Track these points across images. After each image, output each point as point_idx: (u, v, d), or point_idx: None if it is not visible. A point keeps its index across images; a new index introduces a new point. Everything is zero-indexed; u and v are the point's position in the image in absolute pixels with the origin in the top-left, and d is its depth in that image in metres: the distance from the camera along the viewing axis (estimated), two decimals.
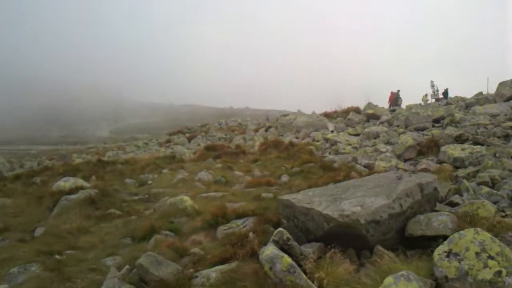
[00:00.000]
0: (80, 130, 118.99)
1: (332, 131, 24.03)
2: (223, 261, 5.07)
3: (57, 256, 6.43)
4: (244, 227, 6.47)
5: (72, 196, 10.03)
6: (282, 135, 26.25)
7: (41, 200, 10.84)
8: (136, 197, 10.97)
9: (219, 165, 15.90)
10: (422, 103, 32.67)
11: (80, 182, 11.71)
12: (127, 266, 5.54)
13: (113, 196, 10.55)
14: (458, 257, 4.03)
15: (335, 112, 30.21)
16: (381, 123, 22.82)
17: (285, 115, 33.07)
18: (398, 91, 34.62)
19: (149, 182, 13.40)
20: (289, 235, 4.83)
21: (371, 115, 25.31)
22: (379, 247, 5.04)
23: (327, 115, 29.70)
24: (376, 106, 27.81)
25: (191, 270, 4.98)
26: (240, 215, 7.10)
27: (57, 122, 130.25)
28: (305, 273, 4.40)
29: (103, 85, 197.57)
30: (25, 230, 8.53)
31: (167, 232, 7.14)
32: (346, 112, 28.68)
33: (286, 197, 6.39)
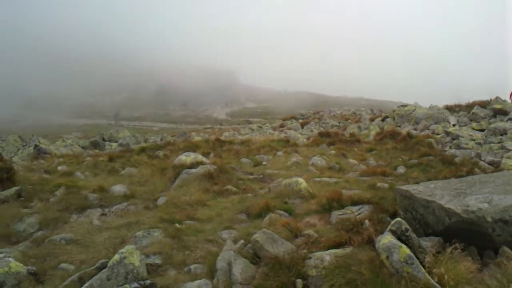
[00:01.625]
0: (198, 111, 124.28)
1: (454, 125, 22.76)
2: (337, 246, 5.03)
3: (177, 225, 6.83)
4: (359, 214, 6.38)
5: (192, 170, 10.58)
6: (399, 126, 25.36)
7: (164, 172, 11.55)
8: (251, 176, 11.29)
9: (333, 151, 15.79)
10: None
11: (200, 158, 12.25)
12: (242, 241, 5.73)
13: (230, 173, 10.94)
14: None
15: (457, 105, 28.42)
16: (510, 119, 21.14)
17: (403, 106, 31.82)
18: None
19: (264, 163, 13.71)
20: (407, 226, 4.67)
21: (498, 111, 23.45)
22: (506, 249, 4.71)
23: (448, 108, 28.06)
24: (504, 101, 25.76)
25: (305, 251, 5.01)
26: (355, 202, 7.00)
27: (178, 102, 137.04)
28: (423, 266, 4.24)
29: (221, 70, 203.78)
30: (149, 199, 9.16)
31: (281, 212, 7.26)
32: (470, 106, 26.89)
33: (405, 187, 6.17)
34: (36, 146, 20.29)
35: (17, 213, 7.66)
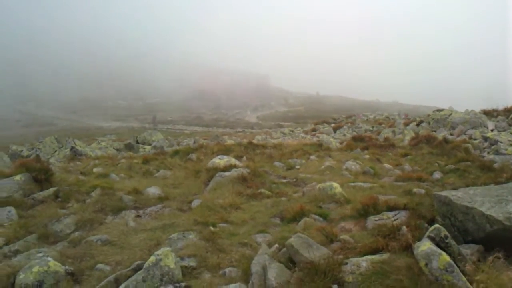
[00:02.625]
0: (230, 114, 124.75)
1: (492, 130, 22.22)
2: (373, 252, 4.94)
3: (211, 228, 6.82)
4: (395, 220, 6.26)
5: (226, 174, 10.60)
6: (435, 131, 24.90)
7: (198, 175, 11.62)
8: (285, 180, 11.23)
9: (367, 156, 15.59)
10: None
11: (233, 161, 12.29)
12: (276, 245, 5.70)
13: (263, 177, 10.91)
14: None
15: (495, 110, 27.75)
16: None
17: (439, 110, 31.20)
18: None
19: (297, 167, 13.65)
20: (446, 233, 4.55)
21: None
22: None
23: (486, 112, 27.38)
24: None
25: (341, 256, 4.93)
26: (391, 208, 6.86)
27: (210, 106, 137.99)
28: (464, 275, 4.12)
29: (253, 73, 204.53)
30: (183, 201, 9.21)
31: (316, 216, 7.20)
32: (508, 110, 26.22)
33: (444, 193, 6.03)
34: (72, 148, 20.74)
35: (54, 214, 7.81)
